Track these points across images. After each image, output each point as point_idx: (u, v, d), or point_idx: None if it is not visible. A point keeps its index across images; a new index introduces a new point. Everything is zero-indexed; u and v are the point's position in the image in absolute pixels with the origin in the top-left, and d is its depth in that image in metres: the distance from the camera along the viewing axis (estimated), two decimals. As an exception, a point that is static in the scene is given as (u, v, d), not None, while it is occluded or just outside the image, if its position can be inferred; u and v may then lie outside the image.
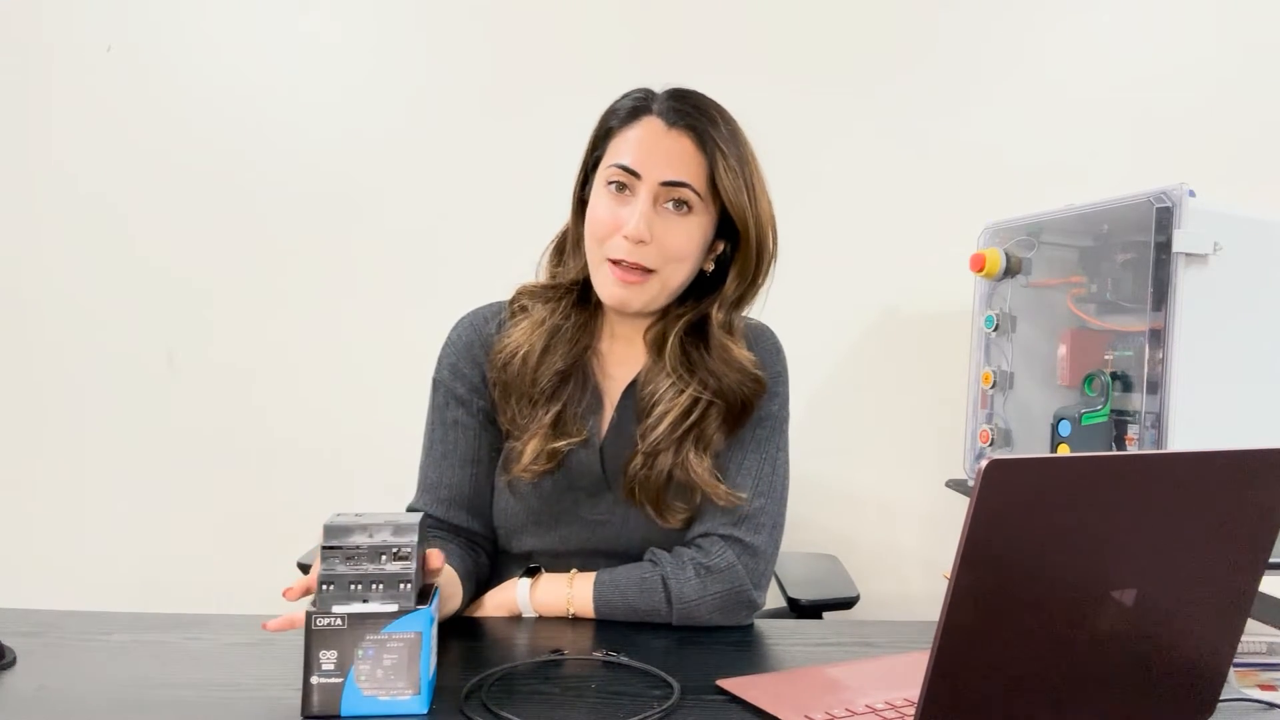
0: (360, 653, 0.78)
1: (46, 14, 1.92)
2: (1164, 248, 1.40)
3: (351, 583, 0.79)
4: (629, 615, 1.06)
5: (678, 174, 1.06)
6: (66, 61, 1.93)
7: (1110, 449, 1.46)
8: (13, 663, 0.87)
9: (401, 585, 0.79)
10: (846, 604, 1.44)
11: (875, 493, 2.01)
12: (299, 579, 0.85)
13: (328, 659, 0.77)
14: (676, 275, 1.09)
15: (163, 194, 1.94)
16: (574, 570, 1.09)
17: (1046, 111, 1.98)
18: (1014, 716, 0.69)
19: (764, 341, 1.17)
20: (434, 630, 0.82)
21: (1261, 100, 1.98)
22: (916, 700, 0.65)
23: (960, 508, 0.79)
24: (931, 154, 1.97)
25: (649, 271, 1.06)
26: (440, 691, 0.83)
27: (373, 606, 0.78)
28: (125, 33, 1.93)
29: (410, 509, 1.14)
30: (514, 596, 1.08)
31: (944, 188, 1.96)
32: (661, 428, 1.08)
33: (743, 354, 1.10)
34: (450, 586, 0.99)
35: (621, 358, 1.16)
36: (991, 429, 1.71)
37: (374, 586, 0.79)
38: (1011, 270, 1.67)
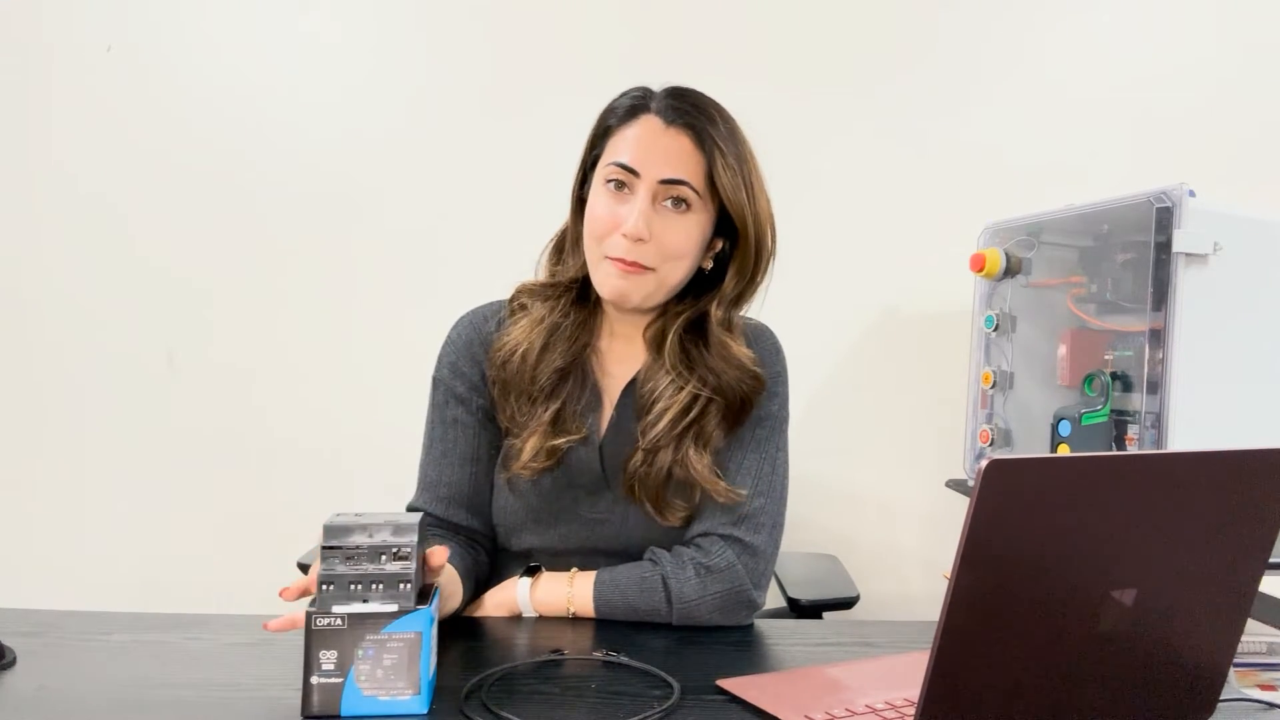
0: (360, 653, 0.78)
1: (46, 14, 1.92)
2: (1164, 248, 1.40)
3: (351, 583, 0.79)
4: (629, 615, 1.06)
5: (676, 172, 1.06)
6: (66, 61, 1.93)
7: (1110, 449, 1.46)
8: (13, 663, 0.87)
9: (401, 585, 0.79)
10: (846, 604, 1.44)
11: (875, 493, 2.01)
12: (297, 579, 0.85)
13: (328, 659, 0.77)
14: (675, 273, 1.09)
15: (163, 194, 1.94)
16: (574, 569, 1.09)
17: (1046, 111, 1.98)
18: (1014, 716, 0.69)
19: (763, 341, 1.18)
20: (434, 630, 0.82)
21: (1261, 100, 1.98)
22: (916, 700, 0.65)
23: (960, 508, 0.79)
24: (931, 154, 1.97)
25: (648, 269, 1.06)
26: (440, 691, 0.83)
27: (373, 606, 0.78)
28: (125, 33, 1.93)
29: (410, 507, 1.15)
30: (514, 595, 1.08)
31: (944, 188, 1.96)
32: (661, 424, 1.08)
33: (742, 351, 1.11)
34: (451, 585, 0.99)
35: (621, 356, 1.16)
36: (991, 429, 1.71)
37: (374, 586, 0.79)
38: (1011, 270, 1.67)
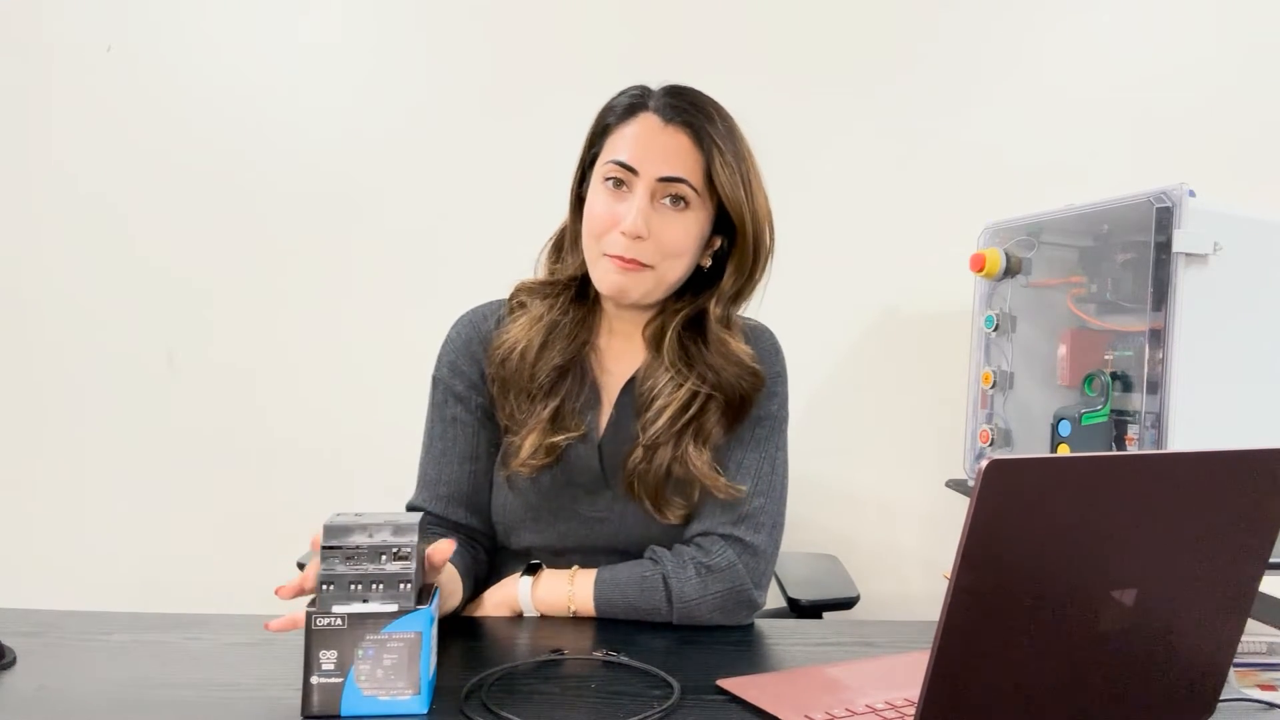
0: (360, 653, 0.78)
1: (46, 14, 1.92)
2: (1164, 248, 1.40)
3: (351, 583, 0.79)
4: (629, 614, 1.06)
5: (674, 170, 1.06)
6: (66, 61, 1.93)
7: (1110, 449, 1.46)
8: (13, 663, 0.87)
9: (401, 585, 0.79)
10: (846, 604, 1.44)
11: (875, 493, 2.01)
12: (294, 577, 0.85)
13: (328, 659, 0.77)
14: (674, 270, 1.09)
15: (163, 194, 1.94)
16: (575, 567, 1.09)
17: (1046, 111, 1.98)
18: (1014, 717, 0.69)
19: (762, 342, 1.18)
20: (434, 630, 0.82)
21: (1261, 100, 1.98)
22: (916, 700, 0.65)
23: (960, 508, 0.79)
24: (931, 154, 1.97)
25: (646, 266, 1.06)
26: (440, 691, 0.83)
27: (373, 606, 0.78)
28: (125, 33, 1.93)
29: (410, 506, 1.15)
30: (515, 594, 1.08)
31: (944, 188, 1.96)
32: (661, 421, 1.08)
33: (741, 348, 1.11)
34: (451, 584, 0.99)
35: (619, 354, 1.16)
36: (991, 429, 1.71)
37: (374, 586, 0.79)
38: (1011, 270, 1.67)
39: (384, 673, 0.78)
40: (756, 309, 1.19)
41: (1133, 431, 1.44)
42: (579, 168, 1.15)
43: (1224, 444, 0.72)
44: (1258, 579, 0.78)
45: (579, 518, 1.12)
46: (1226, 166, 1.90)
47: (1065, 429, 1.51)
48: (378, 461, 1.72)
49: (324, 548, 0.79)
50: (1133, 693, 0.75)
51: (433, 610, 0.81)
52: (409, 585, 0.79)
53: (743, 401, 1.11)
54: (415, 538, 0.81)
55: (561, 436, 1.09)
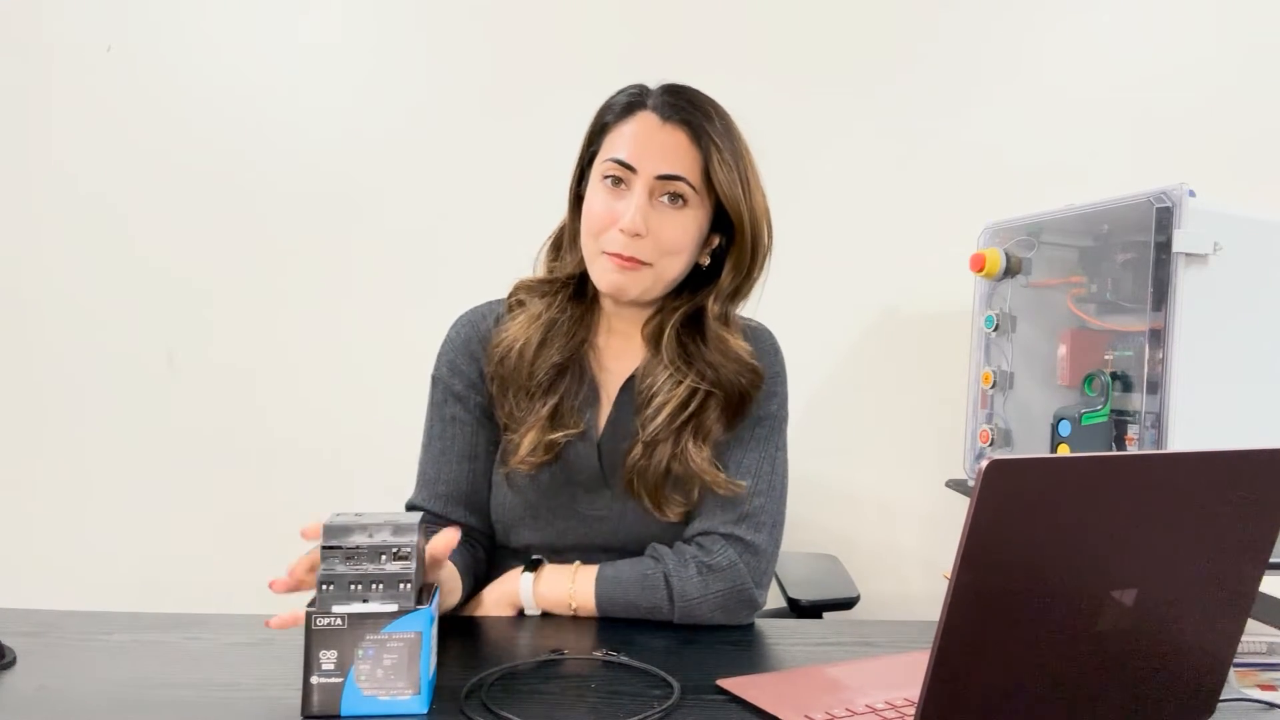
0: (360, 652, 0.78)
1: (46, 14, 1.92)
2: (1164, 248, 1.40)
3: (351, 583, 0.79)
4: (630, 612, 1.06)
5: (673, 168, 1.06)
6: (66, 61, 1.93)
7: (1110, 449, 1.46)
8: (13, 663, 0.87)
9: (401, 585, 0.79)
10: (847, 604, 1.44)
11: (875, 493, 2.01)
12: (291, 566, 0.85)
13: (328, 659, 0.77)
14: (672, 268, 1.09)
15: (163, 194, 1.94)
16: (577, 563, 1.09)
17: (1046, 111, 1.98)
18: (1014, 716, 0.69)
19: (762, 342, 1.18)
20: (434, 630, 0.82)
21: (1261, 100, 1.98)
22: (916, 700, 0.65)
23: (960, 508, 0.79)
24: (931, 154, 1.97)
25: (645, 264, 1.07)
26: (440, 691, 0.83)
27: (373, 606, 0.78)
28: (125, 33, 1.93)
29: (409, 504, 1.15)
30: (516, 589, 1.08)
31: (944, 188, 1.96)
32: (660, 418, 1.08)
33: (739, 344, 1.11)
34: (451, 581, 0.99)
35: (618, 352, 1.16)
36: (991, 429, 1.71)
37: (374, 586, 0.79)
38: (1011, 270, 1.67)
39: (384, 673, 0.78)
40: (755, 308, 1.19)
41: (1133, 431, 1.44)
42: (577, 166, 1.15)
43: (1224, 444, 0.72)
44: (1258, 579, 0.78)
45: (578, 516, 1.13)
46: (1226, 166, 1.90)
47: (1065, 429, 1.51)
48: (378, 461, 1.72)
49: (324, 548, 0.79)
50: (1133, 693, 0.75)
51: (433, 610, 0.81)
52: (409, 585, 0.79)
53: (742, 398, 1.11)
54: (415, 538, 0.81)
55: (560, 434, 1.09)
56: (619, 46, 1.94)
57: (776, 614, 1.39)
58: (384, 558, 0.80)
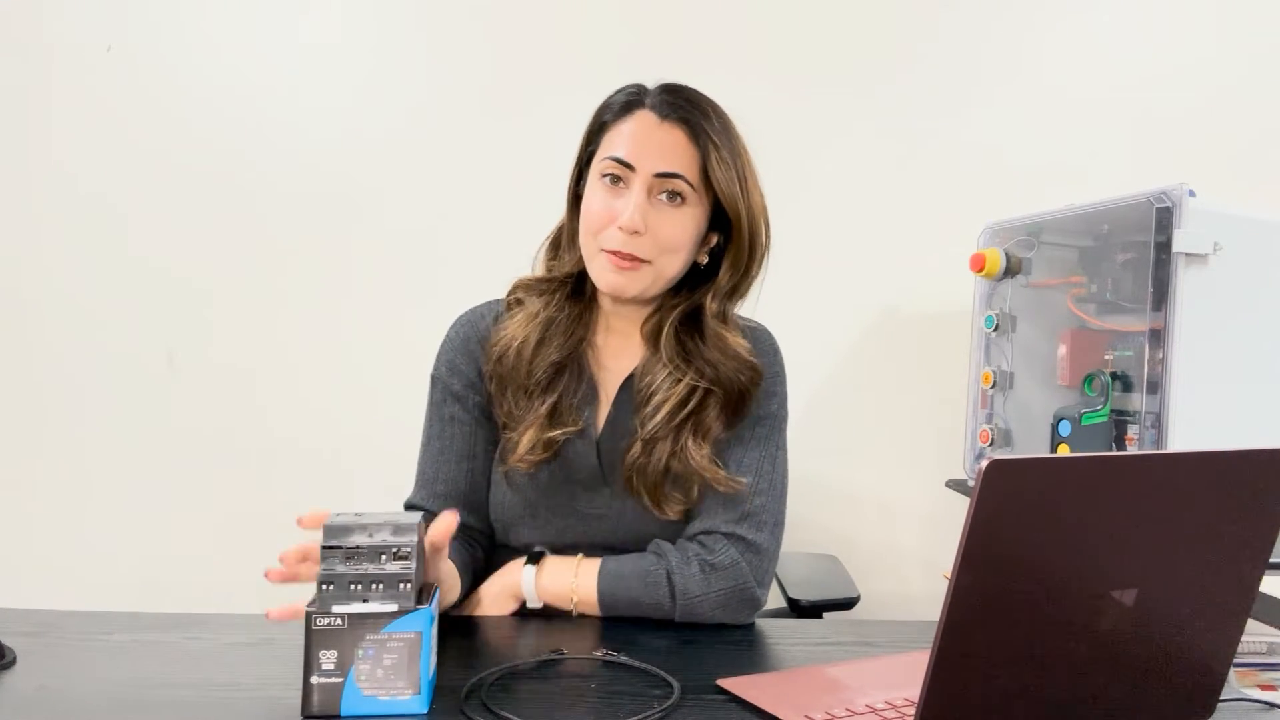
0: (360, 652, 0.78)
1: (46, 14, 1.92)
2: (1164, 248, 1.40)
3: (351, 583, 0.79)
4: (632, 608, 1.06)
5: (671, 165, 1.07)
6: (66, 61, 1.93)
7: (1110, 449, 1.46)
8: (13, 663, 0.87)
9: (401, 585, 0.79)
10: (847, 604, 1.44)
11: (875, 493, 2.01)
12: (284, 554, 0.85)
13: (328, 659, 0.77)
14: (671, 265, 1.09)
15: (163, 194, 1.94)
16: (580, 555, 1.09)
17: (1046, 112, 1.98)
18: (1014, 716, 0.69)
19: (761, 342, 1.18)
20: (434, 630, 0.82)
21: (1262, 100, 1.97)
22: (916, 700, 0.65)
23: (960, 508, 0.79)
24: (931, 154, 1.97)
25: (644, 262, 1.07)
26: (440, 691, 0.83)
27: (373, 606, 0.78)
28: (125, 33, 1.93)
29: (407, 504, 1.15)
30: (518, 581, 1.08)
31: (944, 188, 1.96)
32: (659, 416, 1.09)
33: (738, 342, 1.11)
34: (450, 578, 0.99)
35: (617, 351, 1.16)
36: (991, 429, 1.71)
37: (374, 586, 0.79)
38: (1011, 270, 1.67)
39: (384, 672, 0.78)
40: (753, 307, 1.19)
41: (1133, 431, 1.44)
42: (576, 166, 1.16)
43: (1224, 444, 0.72)
44: (1258, 579, 0.78)
45: (577, 514, 1.13)
46: (1226, 166, 1.90)
47: (1065, 429, 1.51)
48: (378, 461, 1.72)
49: (324, 548, 0.79)
50: (1133, 693, 0.75)
51: (433, 610, 0.81)
52: (409, 585, 0.79)
53: (741, 396, 1.11)
54: (415, 537, 0.81)
55: (559, 431, 1.09)
56: (619, 46, 1.94)
57: (776, 614, 1.39)
58: (384, 558, 0.80)
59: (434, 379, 1.17)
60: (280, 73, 1.95)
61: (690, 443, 1.08)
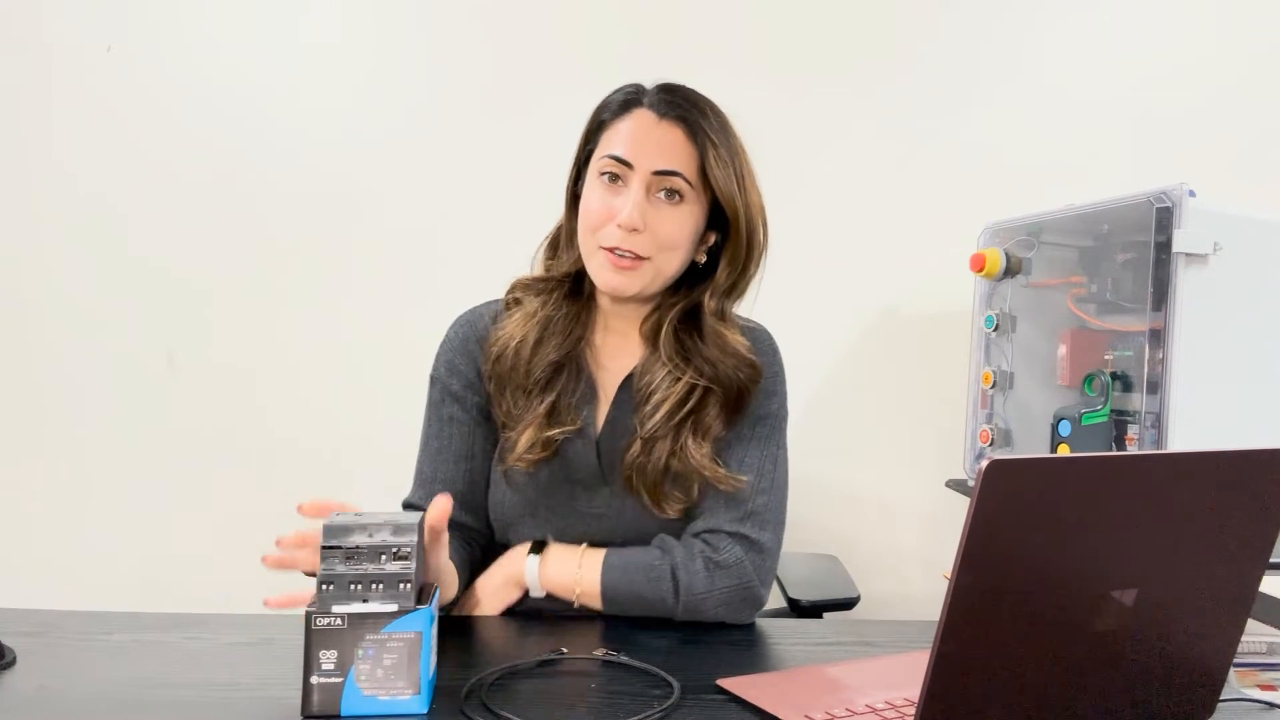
0: (360, 652, 0.78)
1: (46, 14, 1.92)
2: (1164, 248, 1.40)
3: (351, 583, 0.79)
4: (634, 604, 1.06)
5: (669, 163, 1.07)
6: (66, 61, 1.93)
7: (1110, 449, 1.46)
8: (13, 663, 0.87)
9: (401, 585, 0.79)
10: (847, 604, 1.44)
11: (875, 493, 2.01)
12: (291, 536, 0.86)
13: (328, 659, 0.77)
14: (670, 263, 1.10)
15: (163, 194, 1.94)
16: (584, 545, 1.09)
17: (1046, 112, 1.98)
18: (1014, 716, 0.69)
19: (760, 342, 1.18)
20: (434, 630, 0.82)
21: (1262, 100, 1.97)
22: (916, 700, 0.65)
23: (960, 508, 0.79)
24: (931, 154, 1.97)
25: (642, 259, 1.07)
26: (440, 691, 0.83)
27: (373, 606, 0.78)
28: (125, 33, 1.93)
29: (405, 503, 1.15)
30: (521, 570, 1.08)
31: (944, 188, 1.96)
32: (659, 415, 1.09)
33: (736, 340, 1.12)
34: (449, 573, 0.99)
35: (615, 350, 1.16)
36: (991, 429, 1.71)
37: (374, 586, 0.79)
38: (1011, 270, 1.67)
39: (384, 672, 0.78)
40: (754, 308, 1.19)
41: (1133, 431, 1.44)
42: (574, 166, 1.16)
43: (1224, 444, 0.72)
44: (1258, 579, 0.78)
45: (576, 514, 1.13)
46: (1226, 166, 1.90)
47: (1065, 429, 1.51)
48: (378, 461, 1.71)
49: (324, 548, 0.79)
50: (1133, 693, 0.75)
51: (433, 610, 0.81)
52: (409, 585, 0.79)
53: (740, 394, 1.12)
54: (415, 537, 0.81)
55: (557, 430, 1.09)
56: (619, 46, 1.94)
57: (776, 614, 1.39)
58: (384, 558, 0.80)
59: (433, 379, 1.17)
60: (280, 72, 1.95)
61: (690, 441, 1.08)
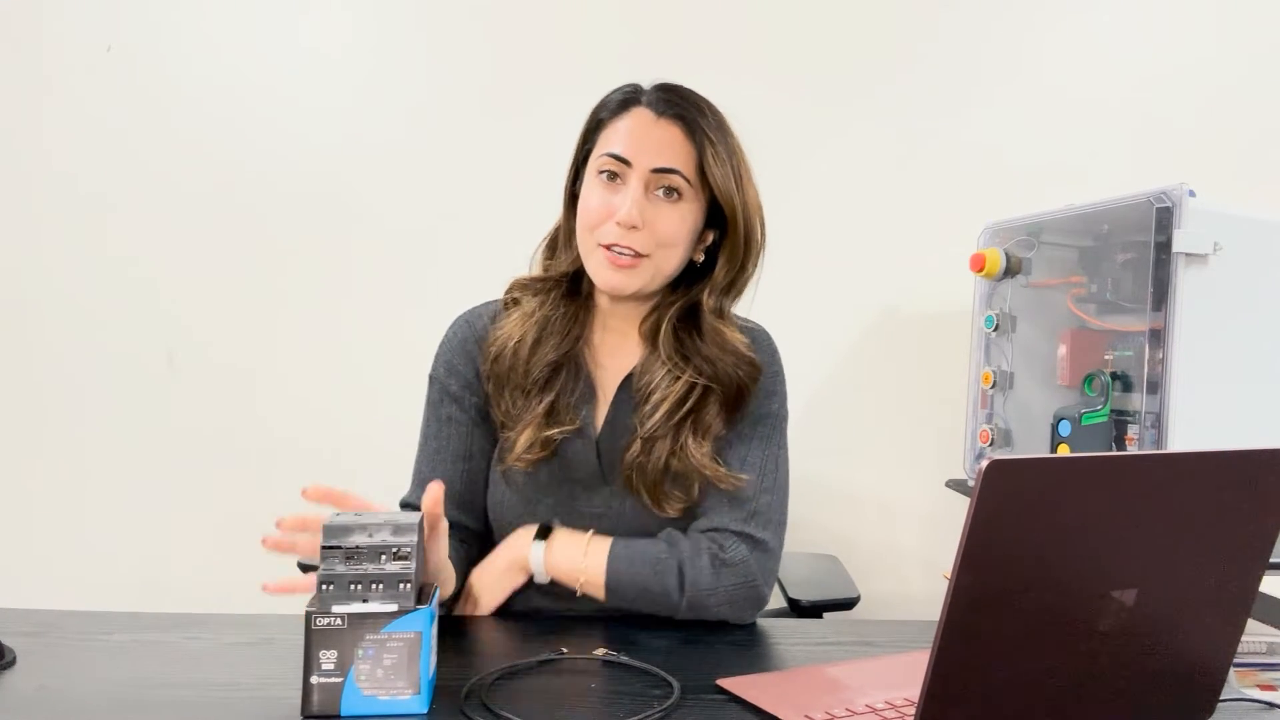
0: (360, 652, 0.78)
1: (46, 14, 1.92)
2: (1164, 248, 1.40)
3: (351, 583, 0.79)
4: (638, 597, 1.06)
5: (668, 161, 1.07)
6: (66, 62, 1.93)
7: (1110, 449, 1.46)
8: (13, 663, 0.87)
9: (401, 585, 0.79)
10: (847, 605, 1.44)
11: (875, 493, 2.01)
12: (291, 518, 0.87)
13: (328, 659, 0.77)
14: (669, 261, 1.10)
15: (163, 194, 1.94)
16: (591, 531, 1.09)
17: (1046, 112, 1.98)
18: (1014, 716, 0.69)
19: (760, 343, 1.18)
20: (434, 630, 0.82)
21: (1261, 100, 1.98)
22: (916, 700, 0.65)
23: (960, 508, 0.79)
24: (931, 154, 1.97)
25: (641, 256, 1.07)
26: (440, 691, 0.83)
27: (373, 606, 0.78)
28: (125, 33, 1.93)
29: (403, 502, 1.15)
30: (526, 556, 1.08)
31: (944, 188, 1.96)
32: (658, 415, 1.09)
33: (735, 337, 1.12)
34: (444, 571, 0.99)
35: (613, 350, 1.16)
36: (991, 429, 1.71)
37: (374, 586, 0.79)
38: (1011, 270, 1.67)
39: (384, 672, 0.78)
40: (754, 307, 1.19)
41: (1133, 431, 1.44)
42: (572, 165, 1.16)
43: (1224, 444, 0.72)
44: (1258, 579, 0.78)
45: (576, 514, 1.13)
46: (1226, 166, 1.90)
47: (1065, 429, 1.51)
48: (378, 461, 1.71)
49: (324, 548, 0.79)
50: (1133, 693, 0.75)
51: (433, 609, 0.81)
52: (409, 585, 0.79)
53: (740, 392, 1.12)
54: (415, 538, 0.81)
55: (556, 430, 1.10)
56: (619, 46, 1.94)
57: (776, 614, 1.39)
58: (384, 558, 0.80)
59: (431, 379, 1.18)
60: (280, 73, 1.95)
61: (690, 441, 1.09)
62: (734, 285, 1.14)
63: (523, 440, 1.09)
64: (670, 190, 1.08)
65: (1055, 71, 1.98)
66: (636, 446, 1.09)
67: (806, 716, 0.79)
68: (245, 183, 1.95)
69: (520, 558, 1.08)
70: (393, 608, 0.78)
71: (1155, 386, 1.41)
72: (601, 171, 1.09)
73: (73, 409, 1.95)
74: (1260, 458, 0.73)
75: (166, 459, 1.94)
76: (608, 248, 1.07)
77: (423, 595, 0.82)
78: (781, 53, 1.97)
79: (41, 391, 1.95)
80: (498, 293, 1.19)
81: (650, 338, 1.13)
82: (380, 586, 0.79)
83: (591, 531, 1.09)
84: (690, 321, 1.13)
